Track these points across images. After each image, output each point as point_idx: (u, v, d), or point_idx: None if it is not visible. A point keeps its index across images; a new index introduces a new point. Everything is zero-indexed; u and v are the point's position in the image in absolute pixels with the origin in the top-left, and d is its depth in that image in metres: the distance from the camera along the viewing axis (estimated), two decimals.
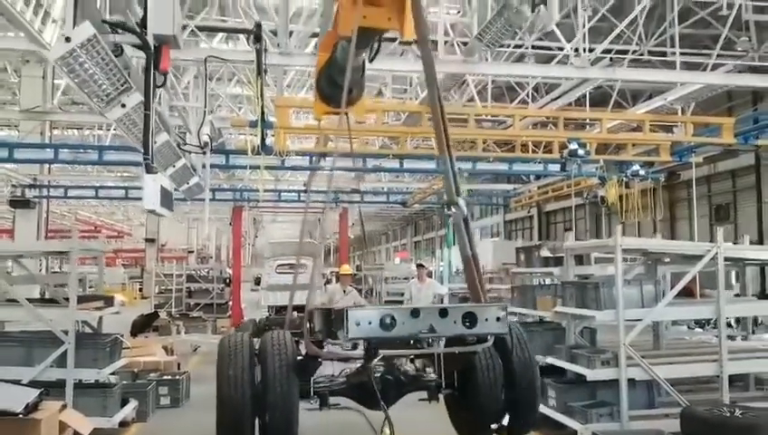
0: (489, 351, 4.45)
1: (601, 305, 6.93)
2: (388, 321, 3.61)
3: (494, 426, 4.68)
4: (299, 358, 4.28)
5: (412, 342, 4.07)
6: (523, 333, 4.73)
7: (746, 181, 19.40)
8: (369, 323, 3.61)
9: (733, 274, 8.55)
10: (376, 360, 4.23)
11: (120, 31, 5.79)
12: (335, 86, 4.75)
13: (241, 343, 4.45)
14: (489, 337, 4.01)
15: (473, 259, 4.14)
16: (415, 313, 3.71)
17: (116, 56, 5.74)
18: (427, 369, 4.91)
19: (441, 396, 4.84)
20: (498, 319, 3.82)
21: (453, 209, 4.16)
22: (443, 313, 3.75)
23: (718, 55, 12.46)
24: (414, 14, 4.03)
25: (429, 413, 5.07)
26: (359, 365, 4.54)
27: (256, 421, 4.36)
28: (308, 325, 4.24)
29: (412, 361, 4.94)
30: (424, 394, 4.76)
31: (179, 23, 6.11)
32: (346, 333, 3.58)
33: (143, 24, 5.80)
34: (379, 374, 4.43)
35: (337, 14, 4.39)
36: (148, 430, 7.86)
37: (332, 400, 4.64)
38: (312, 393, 4.48)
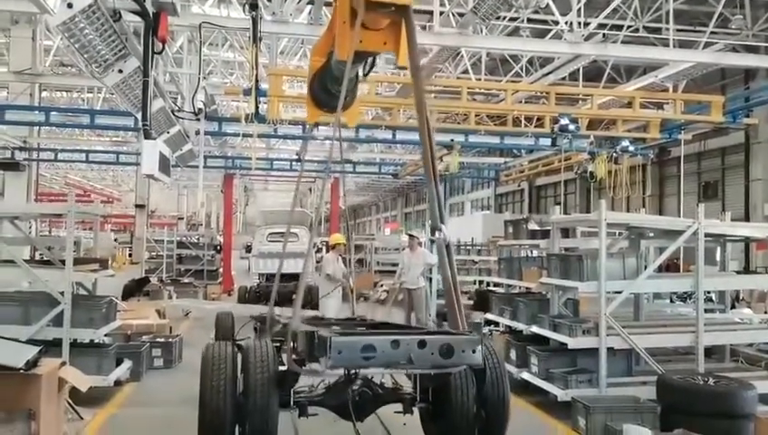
0: (464, 370, 4.58)
1: (584, 277, 7.13)
2: (369, 351, 3.76)
3: None
4: (280, 369, 4.41)
5: None
6: (496, 354, 4.90)
7: (735, 159, 19.62)
8: (351, 352, 3.74)
9: (718, 249, 8.78)
10: (355, 382, 4.47)
11: None
12: (328, 93, 4.89)
13: (224, 353, 4.60)
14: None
15: (453, 285, 4.21)
16: (395, 343, 3.81)
17: (114, 21, 5.78)
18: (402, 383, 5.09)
19: (416, 409, 4.98)
20: (474, 351, 3.93)
21: (437, 235, 4.27)
22: (421, 344, 3.85)
23: (712, 33, 12.52)
24: (408, 43, 4.13)
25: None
26: (337, 379, 4.66)
27: (236, 429, 4.49)
28: (291, 345, 4.34)
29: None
30: (399, 406, 4.92)
31: None
32: (328, 360, 3.68)
33: None
34: (357, 387, 4.59)
35: (332, 24, 4.46)
36: (141, 389, 8.07)
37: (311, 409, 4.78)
38: (291, 403, 4.62)
